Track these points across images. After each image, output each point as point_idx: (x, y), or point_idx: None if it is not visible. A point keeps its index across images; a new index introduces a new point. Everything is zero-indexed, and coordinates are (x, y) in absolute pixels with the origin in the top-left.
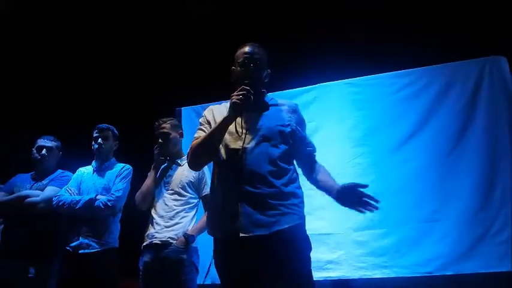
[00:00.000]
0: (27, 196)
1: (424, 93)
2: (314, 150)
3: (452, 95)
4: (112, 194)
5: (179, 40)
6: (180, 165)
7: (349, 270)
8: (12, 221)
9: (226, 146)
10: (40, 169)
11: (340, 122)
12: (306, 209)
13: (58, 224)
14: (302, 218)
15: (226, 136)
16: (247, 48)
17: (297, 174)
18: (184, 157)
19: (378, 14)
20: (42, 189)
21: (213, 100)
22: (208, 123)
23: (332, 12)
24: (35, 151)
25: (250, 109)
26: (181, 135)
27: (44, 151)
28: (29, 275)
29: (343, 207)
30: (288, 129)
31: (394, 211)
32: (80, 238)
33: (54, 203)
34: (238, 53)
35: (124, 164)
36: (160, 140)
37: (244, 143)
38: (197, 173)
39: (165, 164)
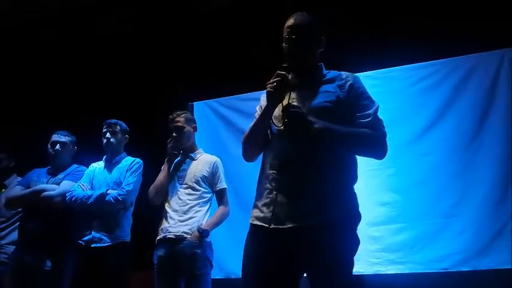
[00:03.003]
0: (43, 190)
1: (442, 85)
2: (367, 124)
3: (471, 87)
4: (122, 188)
5: (192, 34)
6: (193, 159)
7: (364, 266)
8: (29, 215)
9: (271, 131)
10: (55, 164)
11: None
12: None
13: (73, 217)
14: (349, 207)
15: (273, 120)
16: (289, 21)
17: (351, 160)
18: (198, 151)
19: (394, 7)
20: (58, 184)
21: (227, 94)
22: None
23: (348, 4)
24: (49, 146)
25: (301, 86)
26: (195, 129)
27: (57, 146)
28: (45, 268)
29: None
30: (331, 105)
31: (412, 206)
32: (92, 232)
33: (67, 198)
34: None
35: (134, 158)
36: (174, 134)
37: (286, 129)
38: (211, 167)
39: (179, 158)
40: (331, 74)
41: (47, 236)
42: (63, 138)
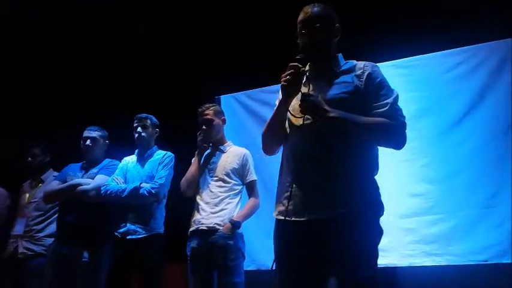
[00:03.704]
0: (79, 184)
1: (477, 71)
2: (385, 114)
3: (507, 72)
4: (155, 181)
5: (219, 27)
6: (223, 151)
7: (397, 258)
8: (66, 208)
9: (289, 123)
10: (88, 159)
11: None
12: None
13: (108, 210)
14: (370, 197)
15: (290, 111)
16: (302, 14)
17: (371, 151)
18: (227, 143)
19: None
20: (92, 178)
21: (254, 87)
22: None
23: None
24: (82, 142)
25: (319, 77)
26: (224, 121)
27: (88, 142)
28: (83, 259)
29: (389, 193)
30: (349, 95)
31: (447, 196)
32: (127, 224)
33: (102, 192)
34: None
35: (166, 152)
36: (203, 127)
37: (304, 119)
38: (241, 159)
39: (209, 151)
40: (348, 64)
41: (83, 228)
42: (94, 134)
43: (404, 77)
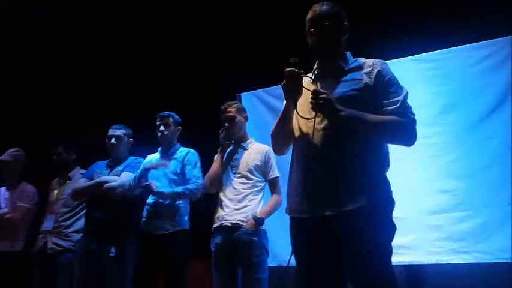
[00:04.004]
0: (105, 182)
1: (506, 64)
2: (395, 111)
3: None
4: (195, 182)
5: (240, 24)
6: (245, 148)
7: (423, 255)
8: (93, 205)
9: (298, 122)
10: (113, 156)
11: (410, 100)
12: None
13: (134, 207)
14: (382, 193)
15: (298, 110)
16: (310, 13)
17: (381, 147)
18: (250, 140)
19: None
20: (117, 175)
21: (275, 84)
22: None
23: None
24: (106, 140)
25: (328, 75)
26: (246, 118)
27: (113, 140)
28: (110, 254)
29: (414, 190)
30: (359, 92)
31: (475, 193)
32: (154, 220)
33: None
34: None
35: (189, 149)
36: (226, 124)
37: (314, 118)
38: (263, 156)
39: (231, 148)
40: (357, 61)
41: (110, 224)
42: (118, 132)
43: (431, 71)
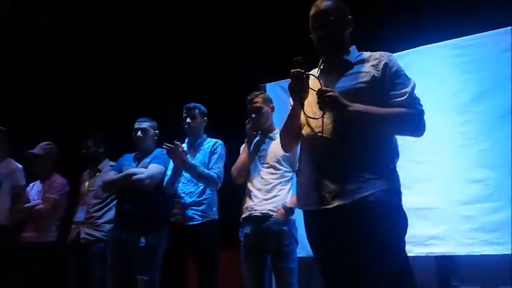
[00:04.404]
0: (134, 174)
1: None
2: (403, 103)
3: None
4: (217, 174)
5: (263, 15)
6: (272, 139)
7: (455, 246)
8: (123, 197)
9: (306, 118)
10: (140, 149)
11: (440, 88)
12: (402, 183)
13: (163, 198)
14: (391, 184)
15: (306, 104)
16: (312, 9)
17: (389, 138)
18: (276, 131)
19: None
20: (145, 167)
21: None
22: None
23: None
24: (133, 133)
25: (334, 70)
26: (272, 109)
27: (139, 133)
28: (140, 244)
29: (445, 180)
30: (366, 85)
31: (507, 183)
32: (184, 211)
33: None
34: None
35: (215, 140)
36: (252, 115)
37: (322, 115)
38: None
39: (258, 138)
40: (363, 55)
41: (140, 215)
42: (143, 125)
43: (461, 58)
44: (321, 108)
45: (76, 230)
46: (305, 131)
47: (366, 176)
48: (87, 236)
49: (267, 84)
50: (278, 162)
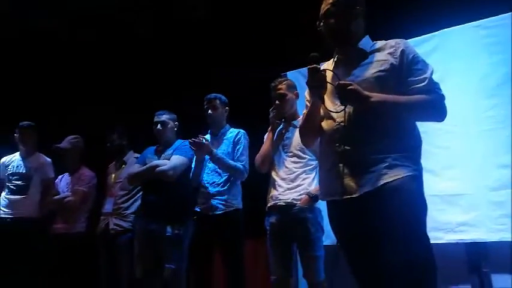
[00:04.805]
0: (157, 166)
1: None
2: (423, 89)
3: None
4: (243, 165)
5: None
6: (296, 127)
7: (486, 233)
8: (148, 188)
9: (326, 110)
10: (161, 141)
11: (468, 71)
12: (432, 169)
13: (187, 188)
14: (414, 170)
15: (326, 102)
16: (323, 2)
17: (413, 125)
18: (300, 118)
19: None
20: (168, 159)
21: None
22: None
23: None
24: (154, 127)
25: (349, 61)
26: (297, 96)
27: (158, 126)
28: (167, 234)
29: (474, 165)
30: (385, 73)
31: None
32: (209, 201)
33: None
34: None
35: (238, 130)
36: (276, 102)
37: (344, 108)
38: None
39: (282, 126)
40: (378, 43)
41: (165, 206)
42: (162, 118)
43: (488, 39)
44: (342, 103)
45: (105, 221)
46: (326, 123)
47: (388, 163)
48: (115, 227)
49: (288, 72)
50: (302, 150)
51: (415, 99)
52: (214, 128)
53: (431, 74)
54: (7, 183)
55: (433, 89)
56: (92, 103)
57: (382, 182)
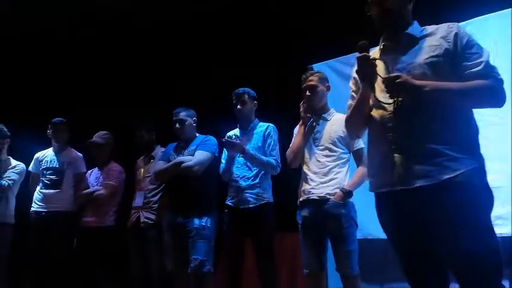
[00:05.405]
0: (182, 162)
1: None
2: (480, 73)
3: None
4: (276, 160)
5: None
6: (327, 120)
7: None
8: (174, 183)
9: (376, 100)
10: (182, 138)
11: (506, 58)
12: None
13: (213, 182)
14: (478, 162)
15: (377, 91)
16: None
17: (470, 112)
18: (331, 111)
19: None
20: (192, 154)
21: (347, 53)
22: (356, 85)
23: None
24: (173, 125)
25: (399, 48)
26: (328, 88)
27: (177, 124)
28: (194, 226)
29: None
30: (438, 58)
31: None
32: (239, 194)
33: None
34: None
35: (267, 124)
36: (307, 93)
37: (395, 99)
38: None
39: (312, 120)
40: (428, 28)
41: (191, 199)
42: (179, 115)
43: None
44: (391, 97)
45: (136, 215)
46: (377, 112)
47: (451, 154)
48: (146, 220)
49: (314, 64)
50: (333, 144)
51: (471, 84)
52: (243, 123)
53: (488, 57)
54: (41, 178)
55: (490, 73)
56: (115, 100)
57: (445, 176)
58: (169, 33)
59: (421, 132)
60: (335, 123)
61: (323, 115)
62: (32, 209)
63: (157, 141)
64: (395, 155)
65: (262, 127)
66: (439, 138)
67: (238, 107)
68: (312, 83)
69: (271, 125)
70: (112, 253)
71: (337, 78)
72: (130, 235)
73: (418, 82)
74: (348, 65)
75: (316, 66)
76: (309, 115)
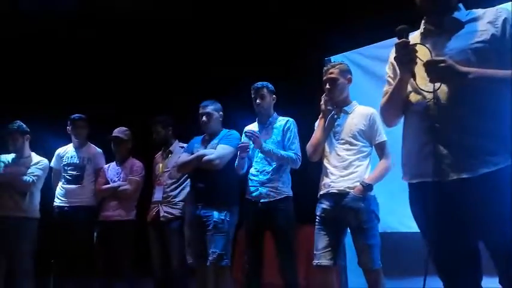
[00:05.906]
0: (204, 155)
1: None
2: None
3: None
4: (296, 154)
5: None
6: (348, 113)
7: None
8: (196, 176)
9: (416, 84)
10: (207, 132)
11: None
12: None
13: (234, 176)
14: None
15: (416, 83)
16: None
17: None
18: (352, 103)
19: None
20: (214, 148)
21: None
22: (393, 70)
23: None
24: (199, 118)
25: (443, 32)
26: (350, 80)
27: (203, 118)
28: (214, 219)
29: None
30: (484, 44)
31: None
32: (259, 188)
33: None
34: None
35: (287, 118)
36: (327, 86)
37: (435, 86)
38: (367, 120)
39: (333, 113)
40: (474, 12)
41: (212, 193)
42: (207, 109)
43: None
44: (431, 81)
45: (155, 209)
46: (415, 99)
47: (490, 149)
48: (166, 214)
49: (332, 57)
50: (354, 137)
51: None
52: (262, 118)
53: None
54: (63, 174)
55: None
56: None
57: (484, 170)
58: (181, 31)
59: (462, 123)
60: (356, 116)
61: (344, 108)
62: (55, 204)
63: (174, 136)
64: (436, 145)
65: (281, 121)
66: (480, 131)
67: (258, 101)
68: (333, 75)
69: (290, 119)
70: (135, 247)
71: (357, 70)
72: (151, 228)
73: (462, 68)
74: (367, 57)
75: (334, 59)
76: (329, 108)
